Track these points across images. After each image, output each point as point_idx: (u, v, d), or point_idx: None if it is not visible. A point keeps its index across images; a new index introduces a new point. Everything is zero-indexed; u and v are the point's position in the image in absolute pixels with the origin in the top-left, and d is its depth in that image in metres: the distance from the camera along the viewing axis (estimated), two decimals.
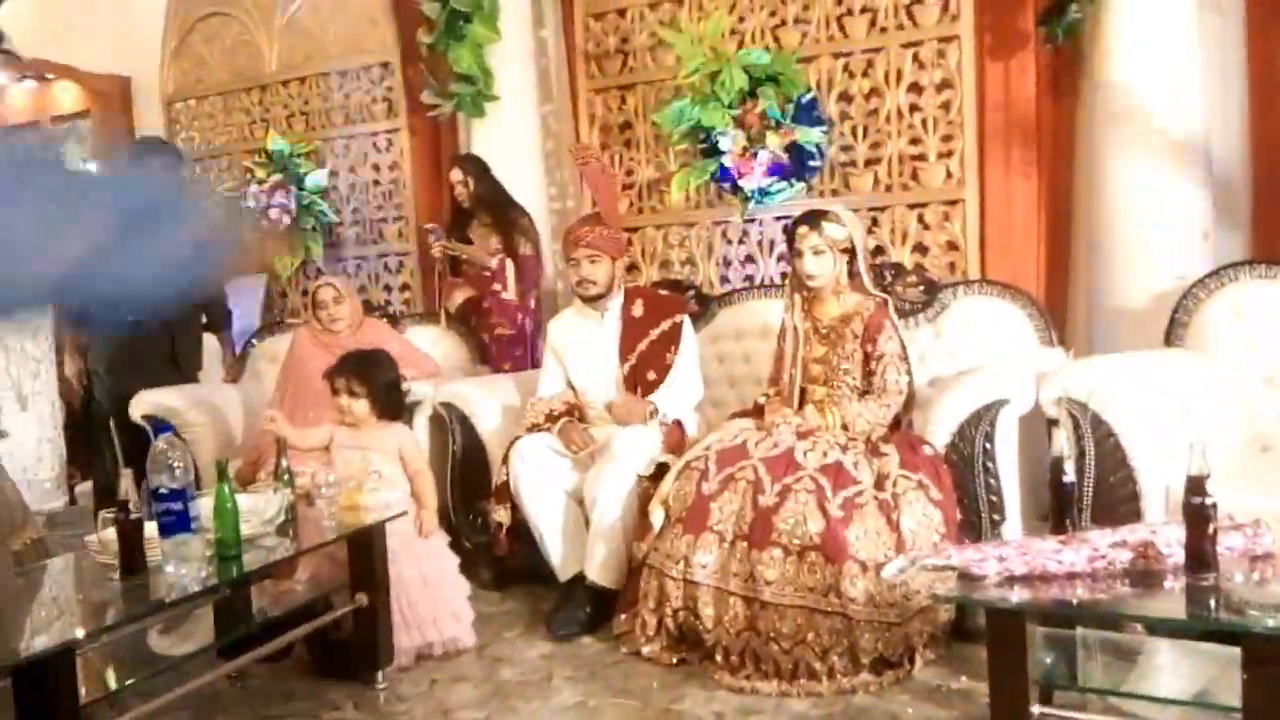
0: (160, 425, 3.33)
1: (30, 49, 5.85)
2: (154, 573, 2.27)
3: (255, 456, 3.44)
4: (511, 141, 4.52)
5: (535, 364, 4.09)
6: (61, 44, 5.83)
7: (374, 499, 2.80)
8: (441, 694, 2.63)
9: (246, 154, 5.30)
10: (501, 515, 3.19)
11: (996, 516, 2.68)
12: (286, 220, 5.04)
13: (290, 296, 5.32)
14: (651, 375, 3.27)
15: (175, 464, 2.38)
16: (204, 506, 2.47)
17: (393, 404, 3.00)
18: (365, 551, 2.69)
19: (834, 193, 4.00)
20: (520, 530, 3.17)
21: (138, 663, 2.34)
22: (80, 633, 1.99)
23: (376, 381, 2.94)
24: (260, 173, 5.10)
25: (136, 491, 2.25)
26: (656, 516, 2.79)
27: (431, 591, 2.84)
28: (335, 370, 2.97)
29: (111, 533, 2.29)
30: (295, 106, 5.28)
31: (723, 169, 4.06)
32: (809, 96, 3.94)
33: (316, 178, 5.09)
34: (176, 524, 2.36)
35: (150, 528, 2.31)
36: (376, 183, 5.10)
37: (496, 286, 4.13)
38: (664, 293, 3.64)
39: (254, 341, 4.47)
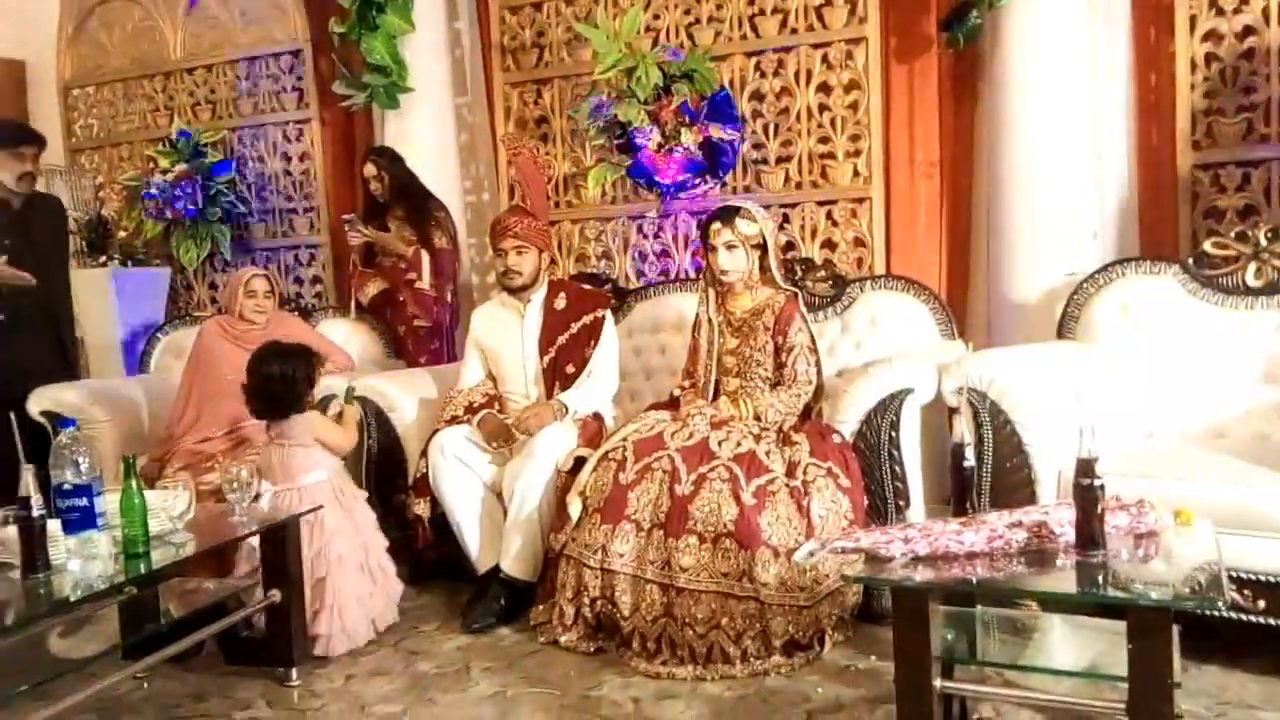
0: (62, 421, 3.20)
1: None
2: (58, 571, 2.19)
3: (161, 454, 3.35)
4: (426, 133, 4.47)
5: (452, 357, 4.07)
6: None
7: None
8: (358, 688, 2.60)
9: (149, 143, 5.12)
10: (420, 508, 3.16)
11: (901, 502, 2.78)
12: (192, 210, 4.88)
13: (197, 289, 5.17)
14: (570, 369, 3.29)
15: (80, 459, 2.30)
16: (110, 503, 2.39)
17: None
18: (279, 546, 2.64)
19: (746, 189, 4.07)
20: (439, 523, 3.15)
21: (41, 664, 2.26)
22: None
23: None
24: (165, 162, 4.94)
25: (38, 488, 2.17)
26: (574, 507, 2.81)
27: (373, 570, 2.90)
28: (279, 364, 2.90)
29: (12, 530, 2.20)
30: (201, 95, 5.12)
31: (638, 164, 4.09)
32: (723, 94, 4.00)
33: (224, 168, 4.95)
34: (82, 520, 2.29)
35: (54, 525, 2.23)
36: (288, 173, 4.99)
37: (411, 276, 4.09)
38: (587, 287, 3.66)
39: (159, 335, 4.33)
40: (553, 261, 3.65)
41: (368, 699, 2.53)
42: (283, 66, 4.93)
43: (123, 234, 5.10)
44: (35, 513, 2.15)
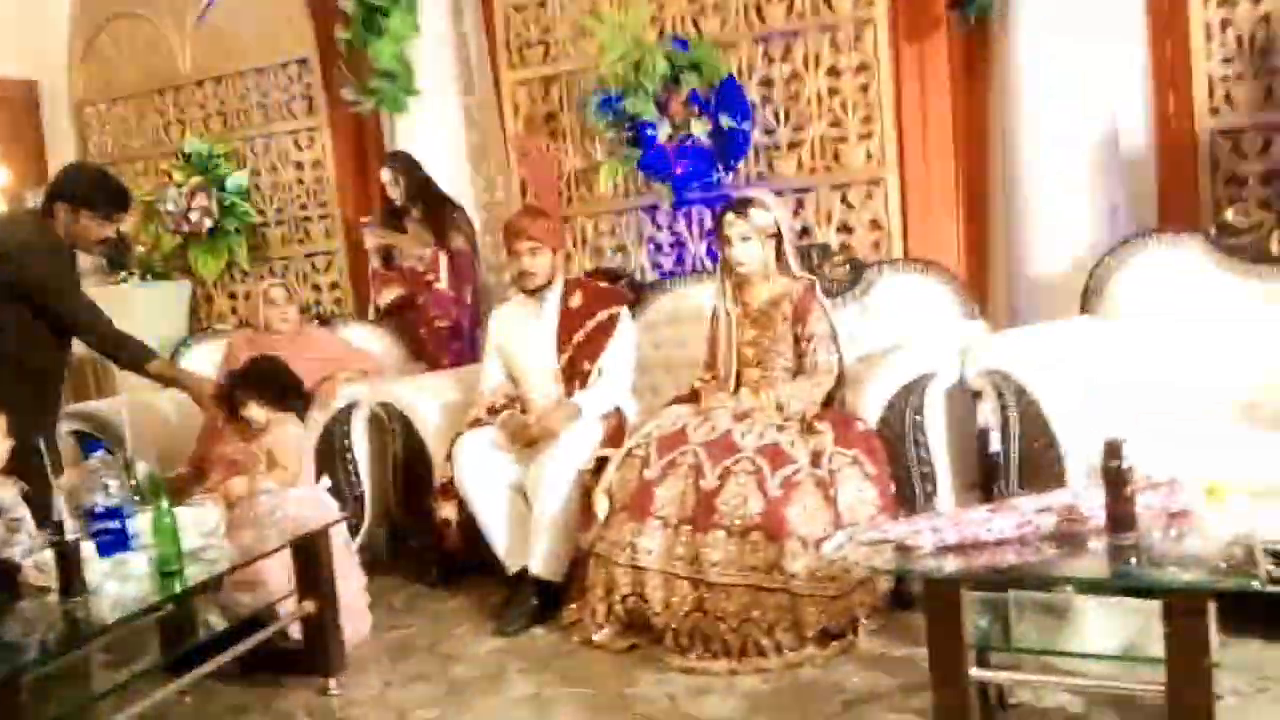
0: (91, 443, 3.24)
1: None
2: (94, 593, 2.22)
3: (199, 461, 3.38)
4: (436, 135, 4.46)
5: (475, 358, 4.07)
6: None
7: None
8: (396, 695, 2.62)
9: (163, 157, 5.14)
10: (448, 511, 3.18)
11: (929, 487, 2.76)
12: (208, 223, 4.91)
13: (217, 301, 5.20)
14: (587, 366, 3.28)
15: (109, 481, 2.33)
16: (144, 523, 2.42)
17: (286, 400, 3.03)
18: (312, 557, 2.66)
19: (759, 176, 4.04)
20: (467, 526, 3.17)
21: (84, 685, 2.29)
22: (23, 659, 1.94)
23: (271, 387, 2.99)
24: (179, 176, 4.96)
25: (70, 511, 2.20)
26: (601, 506, 2.82)
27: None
28: (234, 388, 3.00)
29: (48, 555, 2.23)
30: (212, 107, 5.13)
31: (649, 157, 4.07)
32: (730, 82, 3.96)
33: (238, 179, 4.97)
34: (115, 543, 2.32)
35: (88, 548, 2.26)
36: (300, 181, 5.00)
37: (430, 277, 4.12)
38: (603, 285, 3.65)
39: (183, 349, 4.34)
40: (567, 258, 3.65)
41: (406, 705, 2.56)
42: (291, 75, 4.93)
43: (140, 249, 5.13)
44: (70, 536, 2.18)
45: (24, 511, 2.44)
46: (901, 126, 3.82)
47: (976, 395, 2.64)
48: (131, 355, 3.18)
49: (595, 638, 2.76)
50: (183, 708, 2.63)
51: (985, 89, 3.70)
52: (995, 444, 2.22)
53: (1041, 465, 2.54)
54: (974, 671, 1.92)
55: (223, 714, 2.60)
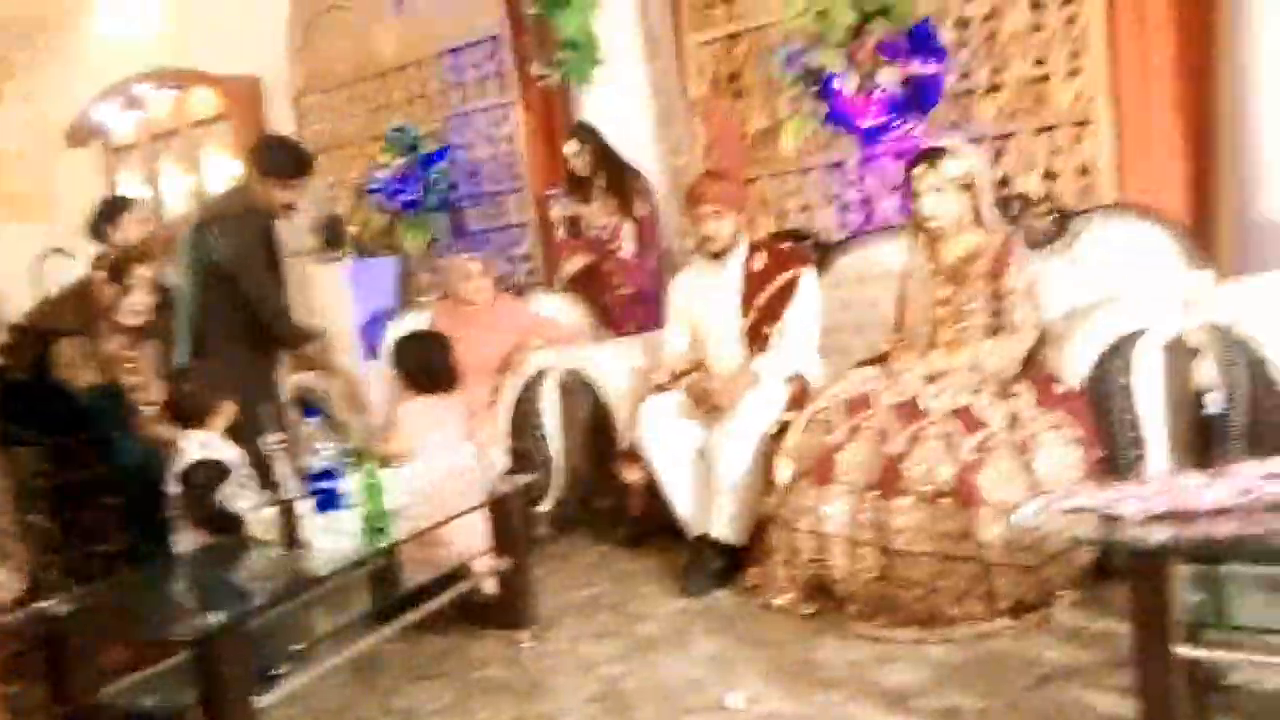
0: (308, 410, 3.54)
1: (166, 57, 6.23)
2: (310, 548, 2.44)
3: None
4: (621, 103, 4.53)
5: (659, 323, 4.12)
6: (194, 49, 6.16)
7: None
8: (584, 649, 2.73)
9: (372, 141, 5.49)
10: (633, 475, 3.26)
11: (1139, 453, 2.57)
12: (412, 201, 5.20)
13: (419, 276, 5.50)
14: (770, 329, 3.25)
15: (323, 446, 2.54)
16: (354, 483, 2.62)
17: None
18: (505, 516, 2.81)
19: (954, 124, 3.84)
20: (651, 489, 3.23)
21: (300, 631, 2.52)
22: (250, 604, 2.17)
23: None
24: (384, 158, 5.28)
25: (290, 472, 2.42)
26: (783, 471, 2.81)
27: None
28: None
29: (271, 512, 2.47)
30: (414, 90, 5.43)
31: (836, 110, 3.96)
32: (923, 25, 3.78)
33: (438, 157, 5.23)
34: (329, 501, 2.53)
35: (305, 505, 2.48)
36: (494, 157, 5.21)
37: (614, 245, 4.21)
38: (787, 245, 3.60)
39: (391, 321, 4.66)
40: (750, 221, 3.61)
41: (594, 659, 2.65)
42: (484, 53, 5.12)
43: (353, 229, 5.51)
44: (289, 495, 2.41)
45: (249, 470, 2.71)
46: (1115, 58, 3.52)
47: (1195, 352, 2.42)
48: (293, 334, 3.52)
49: (777, 602, 2.76)
50: (389, 653, 2.85)
51: (1213, 15, 3.34)
52: (1215, 405, 2.03)
53: (1269, 428, 2.30)
54: (1182, 649, 1.78)
55: (425, 660, 2.79)
